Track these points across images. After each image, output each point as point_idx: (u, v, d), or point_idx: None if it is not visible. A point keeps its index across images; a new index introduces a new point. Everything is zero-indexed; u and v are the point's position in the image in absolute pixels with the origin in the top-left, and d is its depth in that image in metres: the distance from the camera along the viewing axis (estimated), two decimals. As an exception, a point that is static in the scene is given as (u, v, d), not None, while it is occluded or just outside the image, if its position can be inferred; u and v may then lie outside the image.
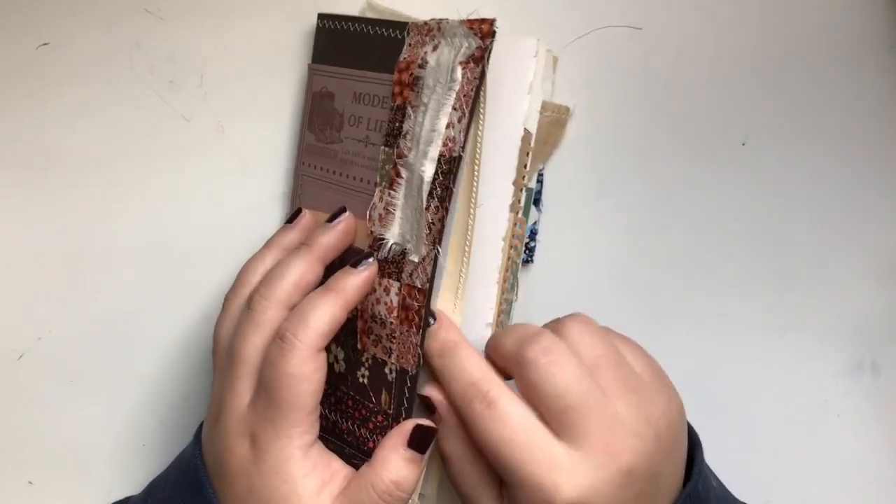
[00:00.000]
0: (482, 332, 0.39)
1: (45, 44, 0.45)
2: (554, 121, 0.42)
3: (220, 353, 0.39)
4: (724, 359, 0.44)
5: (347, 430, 0.40)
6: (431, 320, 0.38)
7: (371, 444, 0.39)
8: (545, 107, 0.41)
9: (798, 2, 0.43)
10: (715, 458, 0.45)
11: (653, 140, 0.44)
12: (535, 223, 0.44)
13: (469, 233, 0.38)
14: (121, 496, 0.45)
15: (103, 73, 0.45)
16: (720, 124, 0.43)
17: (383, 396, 0.39)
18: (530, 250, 0.44)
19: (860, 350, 0.44)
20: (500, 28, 0.36)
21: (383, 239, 0.38)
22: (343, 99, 0.41)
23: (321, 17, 0.43)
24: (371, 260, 0.38)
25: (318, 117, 0.42)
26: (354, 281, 0.37)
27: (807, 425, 0.44)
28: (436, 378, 0.37)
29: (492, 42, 0.36)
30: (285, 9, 0.45)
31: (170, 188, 0.44)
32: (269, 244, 0.40)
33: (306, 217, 0.41)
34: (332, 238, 0.39)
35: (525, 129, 0.38)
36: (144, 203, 0.46)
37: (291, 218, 0.41)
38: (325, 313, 0.36)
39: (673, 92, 0.43)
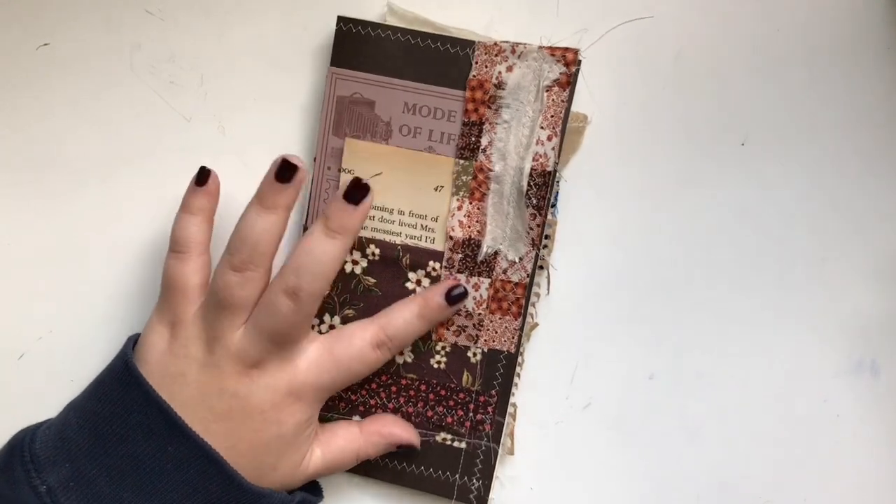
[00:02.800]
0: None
1: (45, 44, 0.45)
2: (573, 128, 0.43)
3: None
4: (723, 358, 0.44)
5: (412, 413, 0.44)
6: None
7: (450, 420, 0.44)
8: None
9: (798, 2, 0.43)
10: (715, 457, 0.45)
11: (652, 140, 0.44)
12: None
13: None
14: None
15: (103, 73, 0.45)
16: (720, 124, 0.43)
17: (465, 377, 0.44)
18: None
19: (860, 350, 0.44)
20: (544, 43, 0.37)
21: (471, 242, 0.43)
22: (388, 107, 0.43)
23: (342, 20, 0.43)
24: (468, 297, 0.43)
25: (350, 123, 0.43)
26: (447, 313, 0.43)
27: (807, 425, 0.44)
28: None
29: (575, 69, 0.41)
30: (286, 9, 0.45)
31: (170, 188, 0.44)
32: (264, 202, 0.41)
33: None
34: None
35: None
36: (144, 203, 0.46)
37: (202, 180, 0.42)
38: (416, 332, 0.43)
39: (673, 92, 0.43)
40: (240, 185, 0.44)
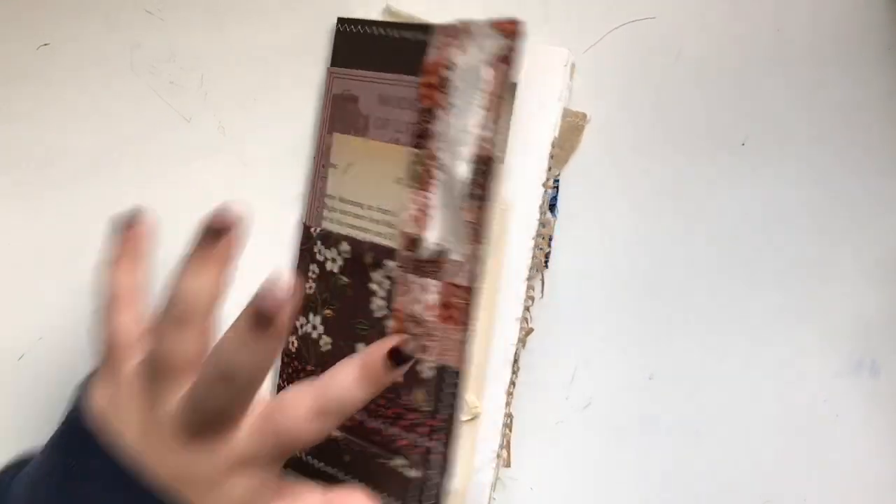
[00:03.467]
0: (511, 326, 0.41)
1: (45, 44, 0.45)
2: (572, 126, 0.43)
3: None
4: (723, 358, 0.44)
5: (374, 430, 0.40)
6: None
7: (401, 442, 0.39)
8: (564, 113, 0.42)
9: (798, 2, 0.43)
10: (715, 457, 0.45)
11: (652, 140, 0.44)
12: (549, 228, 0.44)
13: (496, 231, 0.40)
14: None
15: (103, 73, 0.45)
16: (720, 124, 0.43)
17: (416, 394, 0.39)
18: (545, 255, 0.44)
19: (860, 350, 0.44)
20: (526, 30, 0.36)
21: (418, 239, 0.39)
22: (368, 102, 0.42)
23: (341, 21, 0.43)
24: (409, 364, 0.36)
25: (341, 119, 0.43)
26: (392, 375, 0.36)
27: (807, 425, 0.44)
28: None
29: (517, 42, 0.37)
30: (285, 9, 0.45)
31: (170, 188, 0.44)
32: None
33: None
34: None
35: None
36: (144, 203, 0.46)
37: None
38: (359, 400, 0.36)
39: (673, 92, 0.43)
40: (240, 184, 0.44)
